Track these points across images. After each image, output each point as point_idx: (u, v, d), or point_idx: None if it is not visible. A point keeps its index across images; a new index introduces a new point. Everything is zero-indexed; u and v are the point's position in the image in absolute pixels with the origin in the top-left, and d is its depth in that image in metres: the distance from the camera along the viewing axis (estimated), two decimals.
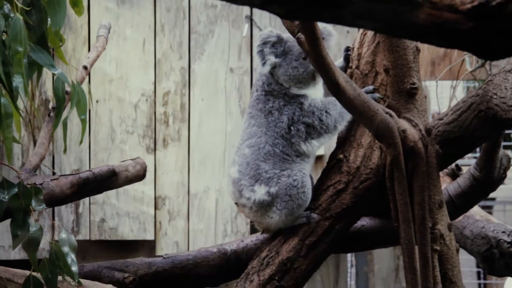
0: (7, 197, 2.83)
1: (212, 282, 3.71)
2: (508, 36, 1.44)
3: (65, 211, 5.81)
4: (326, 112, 3.50)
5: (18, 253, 5.75)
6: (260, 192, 3.50)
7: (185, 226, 5.88)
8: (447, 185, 3.90)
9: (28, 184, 3.03)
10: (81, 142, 3.38)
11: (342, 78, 3.12)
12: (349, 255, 6.38)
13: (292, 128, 3.49)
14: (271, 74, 3.54)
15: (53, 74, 2.88)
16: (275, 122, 3.52)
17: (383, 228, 3.69)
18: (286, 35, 3.49)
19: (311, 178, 3.60)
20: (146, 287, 3.62)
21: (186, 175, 5.88)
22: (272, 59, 3.53)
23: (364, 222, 3.69)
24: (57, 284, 3.02)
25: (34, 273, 2.98)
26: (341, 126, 3.54)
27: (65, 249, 3.00)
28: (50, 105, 5.59)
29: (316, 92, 3.56)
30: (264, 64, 3.53)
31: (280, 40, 3.53)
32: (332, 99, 3.45)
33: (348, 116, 3.50)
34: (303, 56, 3.48)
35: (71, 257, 3.02)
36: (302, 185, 3.47)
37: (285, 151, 3.51)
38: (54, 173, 5.35)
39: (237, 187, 3.56)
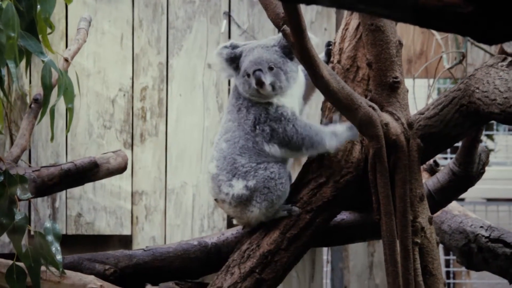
0: None
1: (192, 274, 3.71)
2: (507, 20, 1.46)
3: (42, 205, 5.79)
4: (294, 126, 3.46)
5: None
6: (238, 187, 3.50)
7: (162, 221, 5.88)
8: (426, 180, 3.92)
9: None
10: (67, 131, 3.38)
11: (326, 71, 3.14)
12: (324, 251, 6.40)
13: (257, 127, 3.49)
14: None
15: (42, 61, 2.87)
16: (243, 119, 3.52)
17: (363, 222, 3.71)
18: (244, 47, 3.52)
19: (289, 175, 3.62)
20: (127, 279, 3.61)
21: (163, 170, 5.89)
22: (228, 71, 3.56)
23: (344, 216, 3.71)
24: (40, 274, 3.01)
25: (17, 263, 2.97)
26: (306, 151, 3.48)
27: (49, 238, 2.99)
28: (28, 99, 5.57)
29: (288, 100, 3.52)
30: (223, 72, 3.59)
31: (232, 58, 3.53)
32: (311, 124, 3.47)
33: (319, 147, 3.45)
34: (247, 73, 3.47)
35: (55, 246, 3.01)
36: (280, 176, 3.48)
37: (256, 146, 3.51)
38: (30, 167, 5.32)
39: (216, 182, 3.56)
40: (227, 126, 3.57)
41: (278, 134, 3.47)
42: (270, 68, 3.44)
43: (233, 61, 3.53)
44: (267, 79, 3.42)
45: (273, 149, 3.49)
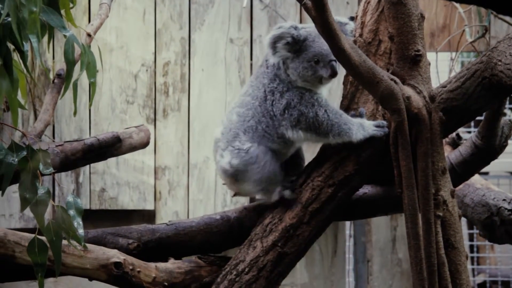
0: (16, 159, 2.84)
1: (215, 248, 3.72)
2: None
3: (65, 181, 5.83)
4: (326, 111, 3.48)
5: (18, 222, 5.79)
6: (225, 160, 3.58)
7: (184, 196, 5.91)
8: (448, 154, 3.91)
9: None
10: (90, 105, 3.39)
11: (347, 44, 3.13)
12: (347, 226, 6.41)
13: (286, 112, 3.50)
14: (283, 62, 3.54)
15: (64, 36, 2.87)
16: (274, 101, 3.53)
17: (385, 196, 3.70)
18: (307, 30, 3.49)
19: (297, 159, 3.70)
20: (150, 253, 3.63)
21: (186, 146, 5.90)
22: (283, 53, 3.51)
23: (366, 190, 3.71)
24: (61, 247, 3.03)
25: (39, 236, 3.00)
26: (332, 138, 3.49)
27: (71, 212, 3.01)
28: (51, 75, 5.59)
29: (322, 91, 3.57)
30: (274, 54, 3.53)
31: (296, 41, 3.49)
32: (342, 113, 3.49)
33: (345, 137, 3.46)
34: (315, 60, 3.47)
35: (77, 221, 3.03)
36: (258, 160, 3.52)
37: (267, 130, 3.54)
38: (53, 142, 5.36)
39: (215, 147, 3.66)
40: (244, 100, 3.60)
41: (307, 118, 3.49)
42: (335, 60, 3.44)
43: (296, 44, 3.50)
44: (337, 68, 3.47)
45: (297, 134, 3.52)
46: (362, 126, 3.45)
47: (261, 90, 3.56)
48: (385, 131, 3.43)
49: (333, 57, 3.36)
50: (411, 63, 3.36)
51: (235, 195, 3.84)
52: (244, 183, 3.60)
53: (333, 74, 3.46)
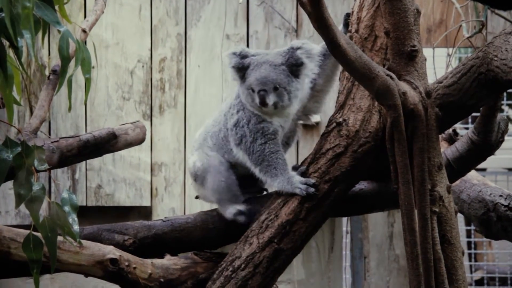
0: (11, 156, 2.83)
1: (211, 245, 3.72)
2: None
3: (61, 177, 5.83)
4: (265, 144, 3.55)
5: (14, 218, 5.78)
6: (192, 159, 3.73)
7: (181, 192, 5.90)
8: (444, 149, 3.91)
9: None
10: (85, 101, 3.39)
11: (343, 40, 3.13)
12: (344, 222, 6.40)
13: (234, 128, 3.60)
14: None
15: (59, 31, 2.86)
16: (231, 115, 3.63)
17: (381, 192, 3.70)
18: (254, 58, 3.54)
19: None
20: (146, 250, 3.63)
21: (182, 142, 5.90)
22: (233, 76, 3.61)
23: (362, 186, 3.71)
24: (56, 243, 3.02)
25: (34, 233, 2.99)
26: (259, 173, 3.56)
27: (66, 208, 3.00)
28: (47, 71, 5.59)
29: (279, 120, 3.59)
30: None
31: (240, 68, 3.56)
32: (282, 158, 3.54)
33: (269, 179, 3.53)
34: (251, 88, 3.52)
35: (72, 217, 3.02)
36: (217, 171, 3.63)
37: (224, 140, 3.66)
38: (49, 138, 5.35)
39: (192, 145, 3.82)
40: (222, 106, 3.75)
41: (246, 142, 3.56)
42: (275, 88, 3.50)
43: (240, 70, 3.57)
44: (271, 99, 3.49)
45: (239, 153, 3.60)
46: (290, 181, 3.48)
47: (229, 102, 3.67)
48: (308, 191, 3.43)
49: (262, 87, 3.45)
50: (407, 58, 3.35)
51: (197, 197, 3.89)
52: (202, 187, 3.72)
53: (261, 102, 3.49)
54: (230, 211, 3.65)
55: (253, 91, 3.51)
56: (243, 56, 3.56)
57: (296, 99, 3.55)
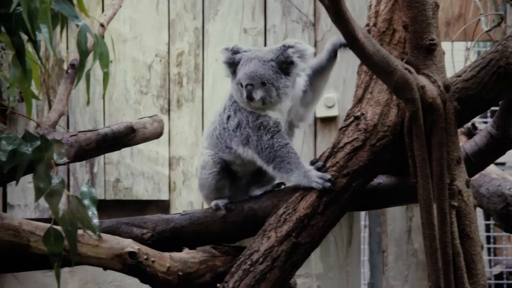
0: (30, 149, 2.85)
1: (229, 238, 3.72)
2: None
3: (80, 171, 5.84)
4: (273, 138, 3.55)
5: (33, 212, 5.81)
6: (197, 157, 3.82)
7: None
8: (463, 143, 3.89)
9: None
10: (103, 95, 3.39)
11: (361, 33, 3.12)
12: (362, 216, 6.39)
13: (238, 130, 3.61)
14: None
15: (77, 25, 2.88)
16: (229, 117, 3.65)
17: (400, 186, 3.69)
18: (244, 54, 3.56)
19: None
20: (164, 243, 3.63)
21: (200, 136, 5.89)
22: (225, 71, 3.65)
23: (380, 180, 3.69)
24: (77, 237, 3.03)
25: (55, 226, 3.00)
26: (273, 170, 3.56)
27: (86, 202, 3.01)
28: (65, 65, 5.61)
29: (274, 113, 3.60)
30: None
31: (231, 63, 3.59)
32: (293, 152, 3.54)
33: (284, 175, 3.53)
34: (240, 83, 3.54)
35: (92, 211, 3.03)
36: (207, 167, 3.67)
37: (219, 138, 3.68)
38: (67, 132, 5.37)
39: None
40: (217, 108, 3.79)
41: (253, 141, 3.57)
42: (263, 84, 3.50)
43: (231, 65, 3.60)
44: (258, 94, 3.50)
45: (247, 153, 3.61)
46: (306, 175, 3.47)
47: (224, 101, 3.71)
48: (324, 185, 3.43)
49: (249, 81, 3.47)
50: (425, 52, 3.35)
51: None
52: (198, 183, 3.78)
53: (248, 96, 3.50)
54: (211, 205, 3.72)
55: (241, 85, 3.53)
56: (234, 51, 3.59)
57: (285, 96, 3.55)
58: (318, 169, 3.47)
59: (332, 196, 3.45)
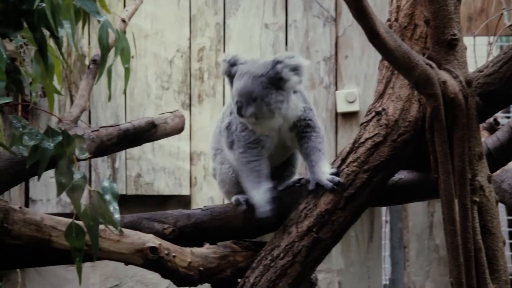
0: (52, 144, 2.86)
1: (250, 234, 3.72)
2: None
3: (102, 166, 5.87)
4: (243, 152, 3.57)
5: (55, 207, 5.84)
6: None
7: None
8: (485, 139, 3.87)
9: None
10: (124, 90, 3.40)
11: (382, 29, 3.11)
12: (383, 212, 6.38)
13: (226, 131, 3.65)
14: None
15: (98, 21, 2.89)
16: (225, 115, 3.70)
17: (421, 182, 3.67)
18: (241, 67, 3.53)
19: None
20: (185, 238, 3.64)
21: None
22: (227, 79, 3.61)
23: (402, 175, 3.67)
24: (98, 232, 3.05)
25: (76, 221, 3.01)
26: (242, 182, 3.61)
27: (107, 197, 3.02)
28: (87, 61, 5.63)
29: (262, 128, 3.57)
30: None
31: (228, 75, 3.56)
32: (255, 169, 3.56)
33: (246, 190, 3.59)
34: (233, 97, 3.52)
35: (113, 206, 3.04)
36: (226, 162, 3.70)
37: (220, 135, 3.72)
38: (89, 127, 5.40)
39: None
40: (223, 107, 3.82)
41: (234, 148, 3.62)
42: (254, 100, 3.45)
43: (229, 77, 3.57)
44: (248, 110, 3.45)
45: (230, 156, 3.66)
46: (256, 199, 3.55)
47: (228, 102, 3.72)
48: (265, 209, 3.51)
49: (239, 98, 3.43)
50: (447, 47, 3.33)
51: None
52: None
53: (238, 113, 3.47)
54: (231, 200, 3.72)
55: (234, 100, 3.50)
56: (232, 63, 3.55)
57: (279, 111, 3.48)
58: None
59: (352, 191, 3.44)
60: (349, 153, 3.50)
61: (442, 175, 3.26)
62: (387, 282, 6.56)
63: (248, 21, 5.95)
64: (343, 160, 3.50)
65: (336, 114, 5.96)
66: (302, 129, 3.57)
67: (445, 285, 6.18)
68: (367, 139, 3.48)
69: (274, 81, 3.44)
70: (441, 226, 5.92)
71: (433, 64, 3.25)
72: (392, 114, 3.46)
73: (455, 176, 3.26)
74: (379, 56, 3.39)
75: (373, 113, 3.50)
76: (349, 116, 5.93)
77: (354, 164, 3.47)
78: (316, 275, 3.71)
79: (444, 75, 3.27)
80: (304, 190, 3.56)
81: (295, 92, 3.51)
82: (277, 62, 3.45)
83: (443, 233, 3.33)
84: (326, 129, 5.93)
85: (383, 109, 3.48)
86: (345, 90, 5.94)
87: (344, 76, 5.97)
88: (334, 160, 3.56)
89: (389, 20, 3.57)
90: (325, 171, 3.48)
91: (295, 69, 3.44)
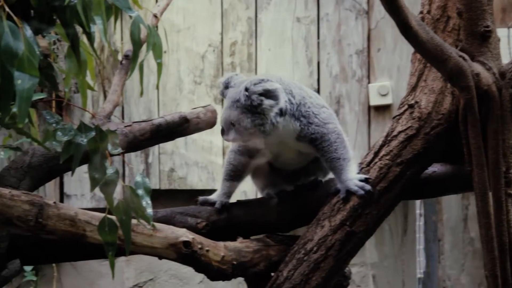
0: (85, 140, 2.87)
1: (282, 228, 3.72)
2: None
3: (135, 161, 5.90)
4: (229, 152, 3.76)
5: (90, 202, 5.88)
6: None
7: None
8: None
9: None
10: (157, 85, 3.42)
11: (414, 21, 3.09)
12: (417, 205, 6.35)
13: None
14: None
15: (130, 17, 2.90)
16: None
17: (455, 174, 3.65)
18: (230, 91, 3.56)
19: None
20: (218, 232, 3.65)
21: None
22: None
23: (435, 168, 3.65)
24: (130, 226, 3.06)
25: (109, 216, 3.03)
26: None
27: (140, 192, 3.03)
28: (120, 56, 5.65)
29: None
30: None
31: (222, 93, 3.64)
32: (228, 166, 3.77)
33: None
34: None
35: (146, 200, 3.05)
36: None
37: None
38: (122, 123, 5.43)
39: None
40: None
41: None
42: (233, 124, 3.50)
43: (224, 98, 3.64)
44: (230, 135, 3.52)
45: None
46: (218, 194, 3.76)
47: None
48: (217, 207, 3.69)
49: (222, 124, 3.53)
50: (480, 39, 3.31)
51: None
52: None
53: (223, 137, 3.57)
54: (264, 194, 3.80)
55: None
56: (225, 86, 3.61)
57: (260, 133, 3.49)
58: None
59: (385, 184, 3.43)
60: (381, 146, 3.49)
61: (476, 168, 3.24)
62: (422, 276, 6.53)
63: (279, 15, 5.95)
64: (376, 154, 3.49)
65: (369, 107, 5.95)
66: (309, 142, 3.57)
67: (480, 278, 6.15)
68: (400, 132, 3.47)
69: (248, 106, 3.46)
70: (475, 219, 5.88)
71: (466, 56, 3.23)
72: (425, 107, 3.44)
73: (489, 169, 3.24)
74: (411, 49, 3.37)
75: (406, 106, 3.49)
76: (382, 109, 5.91)
77: (387, 157, 3.46)
78: (349, 269, 3.70)
79: (478, 67, 3.25)
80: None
81: (282, 114, 3.50)
82: (245, 89, 3.47)
83: (478, 226, 3.32)
84: (359, 122, 5.91)
85: (416, 102, 3.46)
86: (378, 83, 5.92)
87: (377, 69, 5.95)
88: (367, 154, 3.55)
89: (421, 12, 3.55)
90: (352, 177, 3.48)
91: (265, 94, 3.45)
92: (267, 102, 3.44)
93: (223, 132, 3.53)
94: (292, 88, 3.52)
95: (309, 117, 3.54)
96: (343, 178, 3.48)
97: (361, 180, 3.44)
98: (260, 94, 3.43)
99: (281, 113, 3.47)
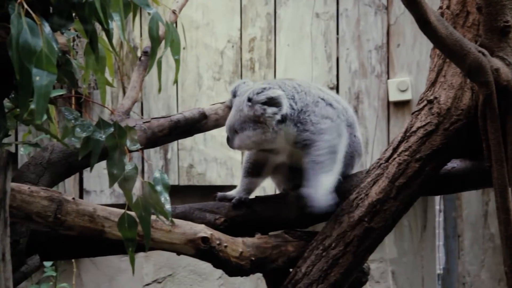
0: (103, 136, 2.88)
1: (301, 223, 3.72)
2: None
3: (154, 157, 5.91)
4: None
5: (109, 198, 5.89)
6: None
7: None
8: None
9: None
10: (175, 81, 3.43)
11: (433, 16, 3.08)
12: (437, 201, 6.34)
13: None
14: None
15: (148, 13, 2.90)
16: None
17: (474, 170, 3.63)
18: (238, 99, 3.64)
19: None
20: (237, 228, 3.65)
21: None
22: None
23: (454, 164, 3.64)
24: (150, 222, 3.06)
25: (128, 212, 3.04)
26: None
27: (159, 188, 3.04)
28: (139, 53, 5.67)
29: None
30: None
31: (231, 101, 3.73)
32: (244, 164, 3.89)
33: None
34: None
35: (164, 196, 3.05)
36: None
37: None
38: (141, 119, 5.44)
39: None
40: None
41: None
42: (236, 132, 3.59)
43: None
44: (235, 143, 3.63)
45: None
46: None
47: None
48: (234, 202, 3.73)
49: (227, 132, 3.65)
50: (500, 34, 3.29)
51: None
52: None
53: (227, 144, 3.68)
54: (282, 190, 3.85)
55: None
56: (234, 95, 3.71)
57: (263, 142, 3.58)
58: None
59: (404, 180, 3.42)
60: (400, 142, 3.49)
61: (495, 164, 3.23)
62: (441, 272, 6.52)
63: (298, 11, 5.94)
64: (395, 149, 3.48)
65: (388, 103, 5.93)
66: (301, 149, 3.59)
67: (501, 274, 6.12)
68: (418, 128, 3.46)
69: (251, 116, 3.53)
70: (495, 215, 5.87)
71: (486, 52, 3.22)
72: (444, 102, 3.43)
73: (508, 165, 3.22)
74: (431, 44, 3.37)
75: (425, 102, 3.48)
76: (401, 105, 5.89)
77: (406, 153, 3.45)
78: (368, 265, 3.70)
79: (497, 63, 3.23)
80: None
81: (283, 121, 3.53)
82: (248, 99, 3.52)
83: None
84: (378, 118, 5.90)
85: (435, 98, 3.45)
86: (397, 78, 5.91)
87: (396, 64, 5.94)
88: (386, 150, 3.54)
89: (440, 7, 3.54)
90: (319, 186, 3.51)
91: (268, 102, 3.49)
92: (270, 110, 3.50)
93: (228, 140, 3.63)
94: (295, 93, 3.57)
95: (306, 124, 3.57)
96: (310, 184, 3.50)
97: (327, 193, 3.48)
98: (263, 103, 3.50)
99: (283, 119, 3.52)
